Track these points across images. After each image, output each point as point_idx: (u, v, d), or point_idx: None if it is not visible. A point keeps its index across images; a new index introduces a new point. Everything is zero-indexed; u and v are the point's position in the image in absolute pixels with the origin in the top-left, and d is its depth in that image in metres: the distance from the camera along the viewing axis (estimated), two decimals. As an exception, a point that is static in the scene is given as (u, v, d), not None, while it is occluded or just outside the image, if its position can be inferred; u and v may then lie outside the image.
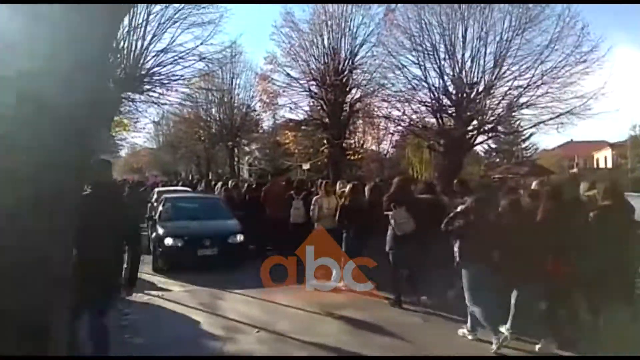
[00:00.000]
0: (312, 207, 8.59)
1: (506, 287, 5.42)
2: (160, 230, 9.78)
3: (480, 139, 17.03)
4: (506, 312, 5.31)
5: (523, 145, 41.07)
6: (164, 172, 47.08)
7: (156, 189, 18.09)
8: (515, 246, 5.04)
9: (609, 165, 43.64)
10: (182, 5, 15.22)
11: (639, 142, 36.06)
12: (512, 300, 5.32)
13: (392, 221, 6.69)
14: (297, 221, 9.61)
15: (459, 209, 5.57)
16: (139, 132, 33.43)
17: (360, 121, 24.00)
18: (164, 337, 5.72)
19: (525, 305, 5.22)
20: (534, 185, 6.05)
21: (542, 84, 14.15)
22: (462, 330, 5.63)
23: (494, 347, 5.09)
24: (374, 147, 31.98)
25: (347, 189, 8.15)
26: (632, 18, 45.65)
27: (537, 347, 5.11)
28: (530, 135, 31.88)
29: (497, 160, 41.67)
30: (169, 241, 9.42)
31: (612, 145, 43.48)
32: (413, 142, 29.23)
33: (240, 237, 9.83)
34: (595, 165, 46.93)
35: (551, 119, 14.30)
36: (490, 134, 15.68)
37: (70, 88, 1.97)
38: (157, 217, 10.68)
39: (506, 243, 5.14)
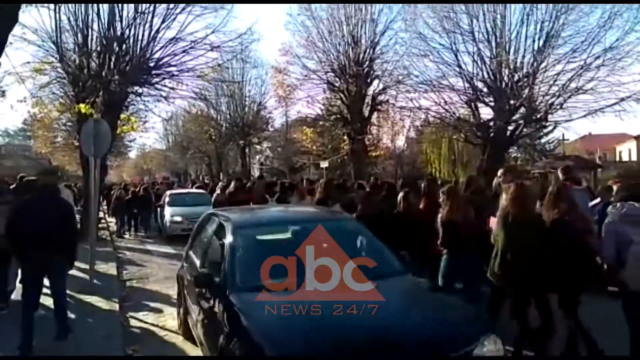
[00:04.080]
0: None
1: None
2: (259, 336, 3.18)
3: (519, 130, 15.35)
4: None
5: (546, 139, 39.18)
6: (174, 173, 45.96)
7: (168, 192, 16.64)
8: (408, 233, 5.57)
9: (634, 157, 41.91)
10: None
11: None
12: None
13: None
14: None
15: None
16: (148, 132, 32.38)
17: (383, 114, 22.52)
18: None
19: None
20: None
21: (599, 65, 12.51)
22: None
23: None
24: (391, 143, 30.60)
25: (320, 185, 8.43)
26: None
27: None
28: (555, 127, 30.14)
29: (519, 155, 39.89)
30: None
31: (637, 138, 41.74)
32: (430, 137, 27.75)
33: (496, 343, 3.34)
34: (617, 158, 45.30)
35: (609, 105, 12.64)
36: (538, 125, 14.09)
37: None
38: (224, 277, 4.01)
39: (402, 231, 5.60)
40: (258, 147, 36.67)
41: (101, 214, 17.77)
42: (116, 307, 6.79)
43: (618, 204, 4.45)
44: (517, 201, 4.46)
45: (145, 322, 6.36)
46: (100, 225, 15.06)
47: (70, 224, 5.23)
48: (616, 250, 4.15)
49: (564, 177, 6.33)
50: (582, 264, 4.32)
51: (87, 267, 7.77)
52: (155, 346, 5.42)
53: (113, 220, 18.04)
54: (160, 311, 6.86)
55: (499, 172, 6.58)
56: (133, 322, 6.32)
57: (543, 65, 13.56)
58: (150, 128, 29.87)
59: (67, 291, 6.73)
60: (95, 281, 7.65)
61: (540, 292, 4.51)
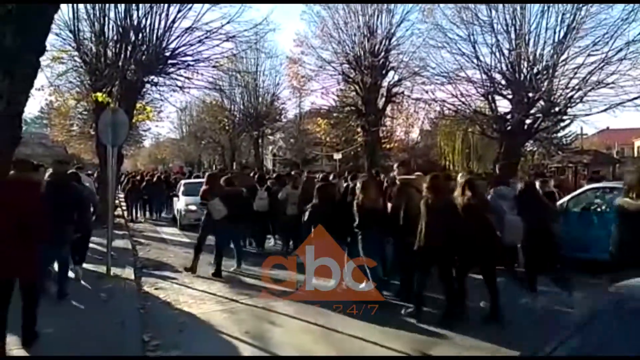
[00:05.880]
0: (280, 194, 10.01)
1: None
2: None
3: (537, 124, 15.06)
4: None
5: (563, 133, 38.50)
6: (187, 162, 46.20)
7: (182, 181, 16.75)
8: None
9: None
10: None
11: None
12: None
13: (209, 208, 8.22)
14: (260, 210, 10.26)
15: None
16: (163, 122, 32.50)
17: (398, 106, 22.32)
18: None
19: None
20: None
21: (621, 59, 12.19)
22: None
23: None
24: (405, 135, 30.37)
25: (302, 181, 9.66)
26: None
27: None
28: (572, 120, 29.57)
29: (535, 148, 39.31)
30: None
31: (657, 133, 40.96)
32: (445, 130, 27.47)
33: None
34: (636, 153, 44.48)
35: (631, 99, 12.28)
36: (556, 118, 13.80)
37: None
38: None
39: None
40: (271, 137, 36.62)
41: (117, 202, 18.03)
42: (132, 292, 6.91)
43: (497, 187, 6.96)
44: (432, 189, 5.60)
45: (162, 309, 6.41)
46: (116, 213, 15.27)
47: (79, 204, 6.46)
48: (497, 220, 5.96)
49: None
50: (483, 240, 5.52)
51: (105, 251, 7.92)
52: (171, 333, 5.43)
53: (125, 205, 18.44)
54: (176, 298, 6.93)
55: (395, 166, 7.71)
56: (149, 309, 6.38)
57: (563, 57, 13.27)
58: (165, 118, 30.09)
59: (84, 275, 6.98)
60: (111, 266, 7.77)
61: (447, 258, 5.66)
